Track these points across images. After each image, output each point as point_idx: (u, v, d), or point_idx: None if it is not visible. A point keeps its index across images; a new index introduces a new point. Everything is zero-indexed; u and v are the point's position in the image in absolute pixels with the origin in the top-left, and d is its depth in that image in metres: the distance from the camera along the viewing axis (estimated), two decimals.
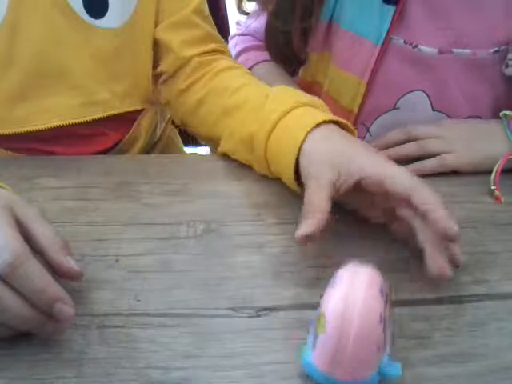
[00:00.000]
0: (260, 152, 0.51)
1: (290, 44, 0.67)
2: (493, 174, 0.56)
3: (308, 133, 0.48)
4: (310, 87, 0.73)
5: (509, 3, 0.58)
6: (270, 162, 0.51)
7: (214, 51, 0.65)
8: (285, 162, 0.49)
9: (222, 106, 0.57)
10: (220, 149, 0.57)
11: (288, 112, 0.50)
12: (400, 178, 0.43)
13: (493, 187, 0.56)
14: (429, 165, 0.59)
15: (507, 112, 0.60)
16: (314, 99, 0.53)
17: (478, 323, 0.41)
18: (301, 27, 0.65)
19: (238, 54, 0.78)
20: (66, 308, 0.36)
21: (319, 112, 0.50)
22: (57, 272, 0.38)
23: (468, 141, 0.59)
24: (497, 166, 0.57)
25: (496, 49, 0.59)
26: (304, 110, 0.50)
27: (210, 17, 0.68)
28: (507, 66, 0.60)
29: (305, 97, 0.53)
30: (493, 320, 0.42)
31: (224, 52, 0.67)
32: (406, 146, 0.61)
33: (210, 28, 0.67)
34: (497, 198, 0.55)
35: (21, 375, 0.36)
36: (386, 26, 0.60)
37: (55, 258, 0.38)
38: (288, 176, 0.49)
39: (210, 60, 0.63)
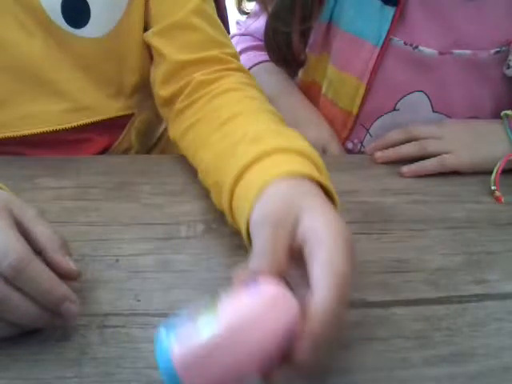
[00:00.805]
0: (226, 204, 0.44)
1: (290, 45, 0.67)
2: (493, 175, 0.56)
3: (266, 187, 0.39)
4: (309, 88, 0.73)
5: (509, 3, 0.58)
6: (234, 216, 0.44)
7: (215, 59, 0.58)
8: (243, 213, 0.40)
9: (204, 137, 0.52)
10: (201, 182, 0.53)
11: (253, 162, 0.42)
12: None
13: (493, 187, 0.56)
14: (429, 165, 0.59)
15: (508, 112, 0.60)
16: (298, 141, 0.45)
17: (478, 323, 0.41)
18: (300, 28, 0.65)
19: (239, 54, 0.78)
20: (73, 307, 0.37)
21: (287, 162, 0.41)
22: (55, 271, 0.38)
23: (468, 141, 0.59)
24: (497, 166, 0.57)
25: (497, 49, 0.59)
26: (271, 161, 0.42)
27: (216, 17, 0.62)
28: (508, 67, 0.60)
29: (286, 139, 0.45)
30: (493, 320, 0.42)
31: (228, 61, 0.59)
32: (407, 146, 0.61)
33: (214, 31, 0.60)
34: (497, 199, 0.55)
35: (21, 375, 0.36)
36: (386, 27, 0.60)
37: (54, 258, 0.38)
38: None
39: (213, 79, 0.56)
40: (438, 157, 0.59)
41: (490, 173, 0.57)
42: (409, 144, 0.61)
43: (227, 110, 0.52)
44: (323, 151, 0.68)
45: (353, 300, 0.42)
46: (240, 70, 0.59)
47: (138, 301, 0.42)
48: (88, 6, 0.55)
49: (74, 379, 0.36)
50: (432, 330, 0.41)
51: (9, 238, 0.36)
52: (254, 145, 0.44)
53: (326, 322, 0.30)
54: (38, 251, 0.38)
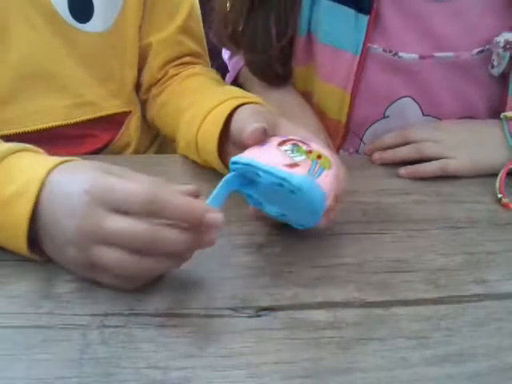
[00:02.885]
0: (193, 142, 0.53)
1: (272, 66, 0.65)
2: (497, 184, 0.56)
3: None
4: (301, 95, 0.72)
5: (485, 1, 0.58)
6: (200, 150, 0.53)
7: (187, 63, 0.69)
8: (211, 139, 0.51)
9: (176, 108, 0.61)
10: (179, 150, 0.59)
11: (217, 106, 0.52)
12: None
13: (499, 195, 0.55)
14: (430, 168, 0.58)
15: (508, 113, 0.59)
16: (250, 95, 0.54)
17: (478, 323, 0.41)
18: (279, 46, 0.63)
19: (233, 55, 0.78)
20: (218, 215, 0.38)
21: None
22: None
23: (467, 146, 0.59)
24: (499, 175, 0.56)
25: (480, 49, 0.59)
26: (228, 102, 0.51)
27: (199, 29, 0.70)
28: (493, 67, 0.59)
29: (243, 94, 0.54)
30: (493, 320, 0.42)
31: (197, 63, 0.70)
32: (404, 148, 0.61)
33: (195, 44, 0.69)
34: (506, 205, 0.55)
35: (21, 375, 0.36)
36: (362, 35, 0.59)
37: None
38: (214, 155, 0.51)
39: (182, 70, 0.68)
40: (440, 161, 0.58)
41: (491, 175, 0.57)
42: (406, 147, 0.61)
43: (193, 85, 0.64)
44: None
45: (353, 300, 0.43)
46: (205, 66, 0.71)
47: (138, 301, 0.42)
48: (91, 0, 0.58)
49: (73, 379, 0.35)
50: (432, 329, 0.41)
51: (124, 183, 0.38)
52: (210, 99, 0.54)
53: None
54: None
